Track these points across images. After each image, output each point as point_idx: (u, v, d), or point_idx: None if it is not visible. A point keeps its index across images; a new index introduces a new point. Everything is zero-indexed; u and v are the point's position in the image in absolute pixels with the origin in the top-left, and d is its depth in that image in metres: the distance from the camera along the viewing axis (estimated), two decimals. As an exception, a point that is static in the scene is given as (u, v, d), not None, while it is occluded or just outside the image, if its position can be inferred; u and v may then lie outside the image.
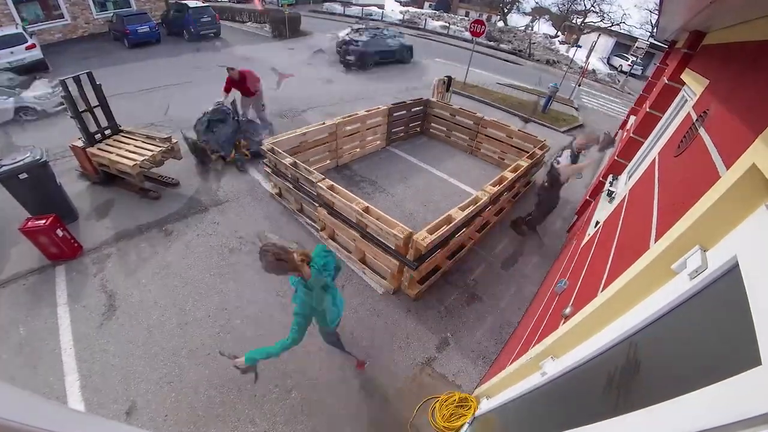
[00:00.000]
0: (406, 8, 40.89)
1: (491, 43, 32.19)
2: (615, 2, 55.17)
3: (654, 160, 3.75)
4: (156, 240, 6.17)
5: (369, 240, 5.41)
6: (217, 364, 4.41)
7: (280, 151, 6.55)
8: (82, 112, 6.63)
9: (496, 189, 6.08)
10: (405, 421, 4.15)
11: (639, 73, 34.65)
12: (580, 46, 30.36)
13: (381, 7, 40.12)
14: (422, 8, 47.31)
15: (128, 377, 4.23)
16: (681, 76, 5.03)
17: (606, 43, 39.89)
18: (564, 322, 2.70)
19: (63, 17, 19.49)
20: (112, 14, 19.91)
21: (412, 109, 10.14)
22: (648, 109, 6.15)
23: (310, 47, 21.02)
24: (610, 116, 17.11)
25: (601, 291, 2.33)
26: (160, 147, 6.99)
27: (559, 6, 48.65)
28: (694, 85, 4.11)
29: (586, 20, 45.52)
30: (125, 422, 3.83)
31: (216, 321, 4.93)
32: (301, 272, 2.94)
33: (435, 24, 34.79)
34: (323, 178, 5.93)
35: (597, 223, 4.68)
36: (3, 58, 13.90)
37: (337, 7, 37.45)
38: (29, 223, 5.32)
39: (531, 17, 53.03)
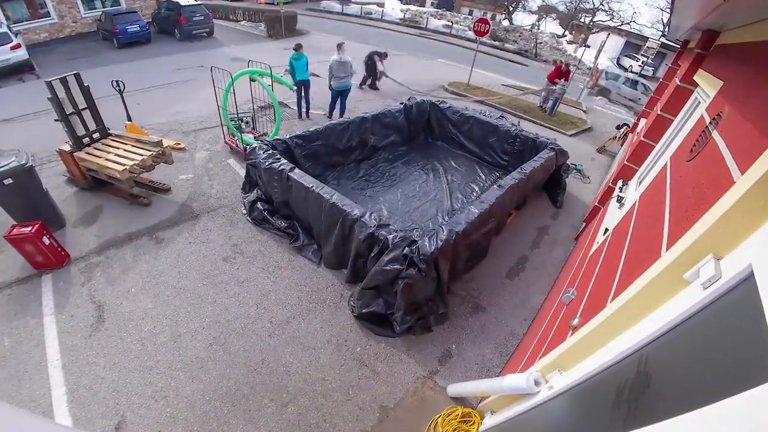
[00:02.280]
0: (407, 6, 41.03)
1: (496, 43, 32.32)
2: (625, 0, 55.43)
3: (665, 164, 3.77)
4: (146, 248, 6.17)
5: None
6: (211, 377, 4.42)
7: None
8: (70, 114, 6.64)
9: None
10: (406, 438, 4.14)
11: (650, 74, 34.68)
12: (588, 46, 30.51)
13: (381, 5, 40.30)
14: (424, 6, 47.50)
15: (118, 391, 4.22)
16: (694, 78, 5.05)
17: (615, 42, 40.02)
18: (571, 334, 2.70)
19: (49, 16, 19.58)
20: (100, 13, 19.99)
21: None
22: (659, 112, 6.17)
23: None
24: (620, 118, 17.10)
25: (611, 301, 2.34)
26: (150, 151, 7.00)
27: (567, 4, 48.92)
28: (707, 86, 4.13)
29: (595, 19, 45.76)
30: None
31: (210, 333, 4.92)
32: None
33: (437, 23, 34.90)
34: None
35: (606, 230, 4.68)
36: (-13, 58, 13.92)
37: (335, 5, 37.56)
38: (14, 230, 5.32)
39: (537, 16, 53.22)
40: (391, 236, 4.98)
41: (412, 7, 41.55)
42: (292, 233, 6.56)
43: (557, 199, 8.72)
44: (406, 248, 4.80)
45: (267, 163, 6.51)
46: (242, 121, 9.18)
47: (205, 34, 21.62)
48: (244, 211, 7.07)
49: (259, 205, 6.94)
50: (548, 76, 14.55)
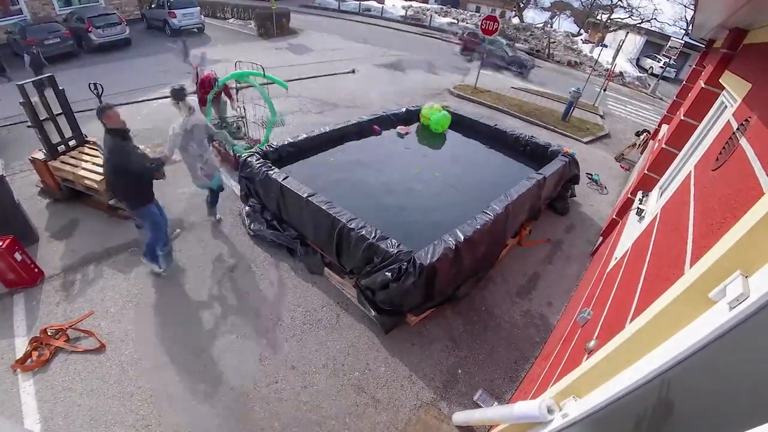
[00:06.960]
0: (409, 3, 41.30)
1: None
2: (645, -4, 55.52)
3: (689, 174, 3.79)
4: (126, 265, 6.16)
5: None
6: (197, 404, 4.39)
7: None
8: (43, 120, 6.65)
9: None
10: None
11: (672, 76, 34.81)
12: (605, 46, 30.67)
13: (381, 2, 40.59)
14: (427, 3, 47.82)
15: (96, 419, 4.20)
16: (720, 80, 5.08)
17: (635, 42, 40.23)
18: (587, 357, 2.70)
19: (21, 13, 19.54)
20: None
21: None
22: (682, 117, 6.20)
23: (296, 47, 21.24)
24: (640, 124, 17.15)
25: (630, 322, 2.34)
26: (132, 159, 7.00)
27: (582, 1, 49.11)
28: (734, 89, 4.14)
29: (613, 16, 45.91)
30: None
31: (199, 357, 4.91)
32: None
33: (442, 21, 35.15)
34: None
35: (625, 245, 4.69)
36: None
37: (332, 2, 37.85)
38: (-17, 245, 5.32)
39: (550, 13, 53.42)
40: (394, 250, 5.05)
41: (415, 4, 41.81)
42: (290, 246, 6.61)
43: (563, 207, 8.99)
44: (406, 263, 4.89)
45: (261, 174, 6.57)
46: (233, 126, 9.20)
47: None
48: (247, 222, 7.15)
49: (254, 217, 7.03)
50: None
